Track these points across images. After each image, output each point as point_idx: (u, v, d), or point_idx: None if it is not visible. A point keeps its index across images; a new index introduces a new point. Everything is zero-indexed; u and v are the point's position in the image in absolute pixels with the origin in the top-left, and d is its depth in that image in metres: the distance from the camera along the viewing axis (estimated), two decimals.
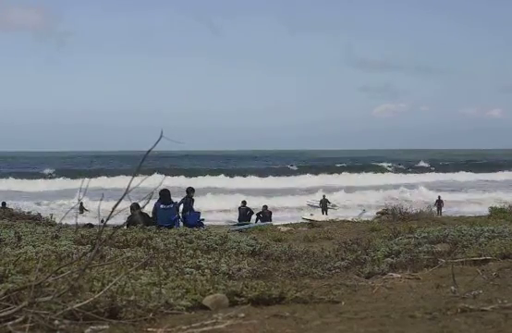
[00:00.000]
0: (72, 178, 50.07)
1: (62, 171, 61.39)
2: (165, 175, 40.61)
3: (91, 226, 14.17)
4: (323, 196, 35.17)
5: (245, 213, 22.81)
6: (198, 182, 44.86)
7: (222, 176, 58.07)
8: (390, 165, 73.42)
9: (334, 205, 34.48)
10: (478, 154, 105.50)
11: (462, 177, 58.88)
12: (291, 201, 39.66)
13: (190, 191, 18.51)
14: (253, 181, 54.54)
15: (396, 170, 68.02)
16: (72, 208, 3.55)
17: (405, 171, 66.60)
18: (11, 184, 51.08)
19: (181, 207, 15.56)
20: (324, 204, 33.94)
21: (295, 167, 70.19)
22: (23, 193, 45.91)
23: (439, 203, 32.29)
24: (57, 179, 55.05)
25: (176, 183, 40.34)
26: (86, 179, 3.22)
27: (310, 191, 45.72)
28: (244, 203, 23.46)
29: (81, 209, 29.08)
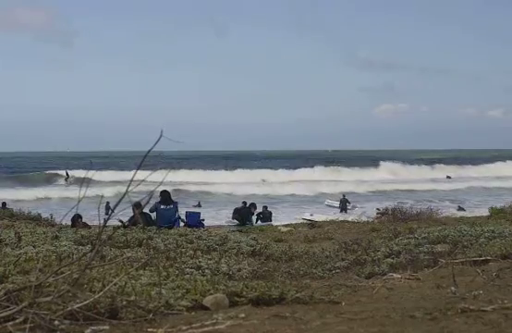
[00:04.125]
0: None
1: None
2: None
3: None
4: (343, 196, 34.73)
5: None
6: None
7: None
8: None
9: (354, 206, 33.98)
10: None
11: None
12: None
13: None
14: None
15: None
16: (73, 208, 3.54)
17: None
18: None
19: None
20: (344, 204, 33.52)
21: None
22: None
23: None
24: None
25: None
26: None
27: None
28: (244, 203, 23.43)
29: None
